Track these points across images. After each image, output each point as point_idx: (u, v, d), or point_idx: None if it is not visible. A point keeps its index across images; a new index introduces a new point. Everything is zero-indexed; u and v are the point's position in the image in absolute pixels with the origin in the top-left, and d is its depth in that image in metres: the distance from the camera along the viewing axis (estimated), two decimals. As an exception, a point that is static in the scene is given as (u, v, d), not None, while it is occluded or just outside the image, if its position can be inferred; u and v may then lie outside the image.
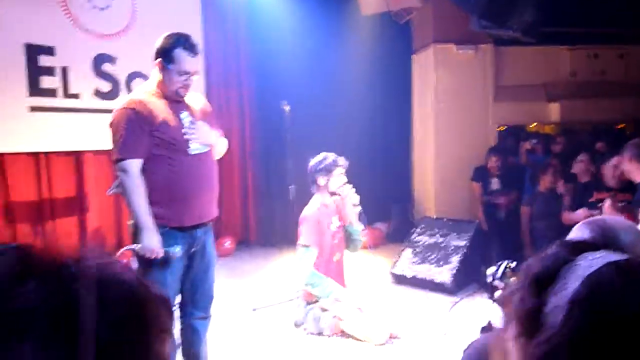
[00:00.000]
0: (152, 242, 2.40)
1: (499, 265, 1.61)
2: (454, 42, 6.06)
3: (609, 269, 0.59)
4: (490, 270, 1.63)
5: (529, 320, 0.61)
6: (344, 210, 3.63)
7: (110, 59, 5.25)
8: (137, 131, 2.39)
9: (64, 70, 4.94)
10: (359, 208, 3.58)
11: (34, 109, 4.76)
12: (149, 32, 5.57)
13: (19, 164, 4.79)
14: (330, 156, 3.53)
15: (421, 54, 6.50)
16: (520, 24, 5.23)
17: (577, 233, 1.37)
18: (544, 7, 5.27)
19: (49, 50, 4.83)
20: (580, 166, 4.61)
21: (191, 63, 2.45)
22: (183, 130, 2.48)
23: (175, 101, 2.52)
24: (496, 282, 1.59)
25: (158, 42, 2.46)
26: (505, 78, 6.32)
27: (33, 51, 4.73)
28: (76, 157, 5.18)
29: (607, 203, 3.28)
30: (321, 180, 3.52)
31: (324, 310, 3.44)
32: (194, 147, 2.51)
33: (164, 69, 2.45)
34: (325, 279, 3.42)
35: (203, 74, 5.88)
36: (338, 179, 3.52)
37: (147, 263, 2.49)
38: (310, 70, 6.26)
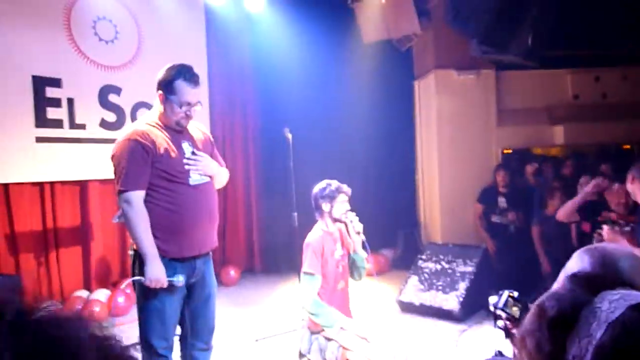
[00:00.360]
0: (158, 272, 2.39)
1: (501, 295, 1.60)
2: (455, 67, 6.10)
3: (632, 314, 0.58)
4: (493, 300, 1.62)
5: None
6: (347, 238, 3.60)
7: (116, 90, 5.32)
8: (139, 162, 2.39)
9: (70, 102, 5.01)
10: (363, 236, 3.54)
11: (39, 139, 4.80)
12: (154, 63, 5.66)
13: (24, 194, 4.81)
14: (334, 183, 3.52)
15: (423, 80, 6.54)
16: (521, 48, 5.27)
17: (577, 260, 1.36)
18: (544, 31, 5.31)
19: (56, 82, 4.91)
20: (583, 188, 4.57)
21: (192, 94, 2.46)
22: (184, 161, 2.49)
23: (177, 131, 2.53)
24: (499, 312, 1.57)
25: (160, 74, 2.49)
26: (507, 102, 6.34)
27: (40, 83, 4.80)
28: (81, 187, 5.21)
29: (606, 229, 3.24)
30: (325, 206, 3.50)
31: (328, 340, 3.37)
32: (195, 178, 2.52)
33: (165, 100, 2.46)
34: (329, 308, 3.36)
35: (207, 102, 5.95)
36: (341, 206, 3.49)
37: (147, 294, 2.47)
38: (313, 97, 6.31)
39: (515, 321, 1.57)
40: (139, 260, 2.47)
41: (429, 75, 6.29)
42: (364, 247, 3.58)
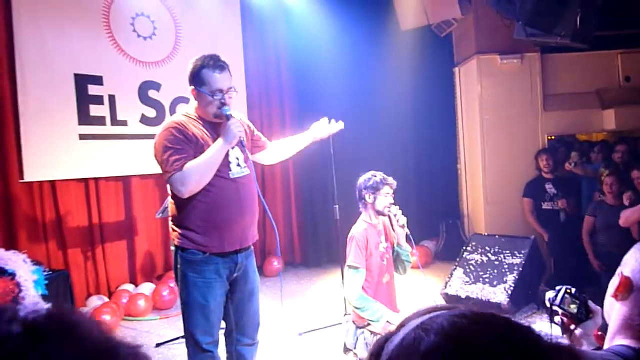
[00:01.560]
0: (234, 131, 2.37)
1: (558, 291, 1.54)
2: (498, 52, 5.88)
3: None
4: (550, 295, 1.56)
5: None
6: (391, 231, 3.51)
7: (155, 86, 5.37)
8: (182, 145, 2.35)
9: (112, 99, 5.08)
10: (407, 230, 3.45)
11: (83, 137, 4.89)
12: (192, 58, 5.70)
13: (70, 190, 4.92)
14: (379, 175, 3.43)
15: (464, 66, 6.34)
16: (569, 30, 5.02)
17: (635, 251, 1.26)
18: (592, 11, 5.04)
19: (98, 80, 4.98)
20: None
21: (221, 80, 2.40)
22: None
23: (216, 124, 2.48)
24: (555, 308, 1.52)
25: (188, 70, 2.45)
26: (554, 87, 6.06)
27: (82, 81, 4.88)
28: (124, 183, 5.29)
29: None
30: (368, 198, 3.42)
31: (375, 334, 3.30)
32: (235, 171, 2.48)
33: (198, 94, 2.42)
34: (375, 302, 3.29)
35: (245, 93, 5.94)
36: (385, 199, 3.41)
37: (189, 289, 2.45)
38: (351, 86, 6.22)
39: (572, 318, 1.52)
40: (181, 256, 2.46)
41: (471, 61, 6.08)
42: (408, 240, 3.49)
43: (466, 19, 6.02)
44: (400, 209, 3.42)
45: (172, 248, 2.55)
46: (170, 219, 2.55)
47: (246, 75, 6.01)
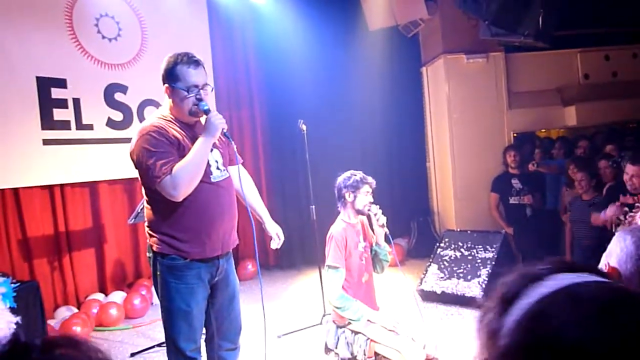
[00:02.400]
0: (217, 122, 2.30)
1: None
2: (464, 52, 6.01)
3: (561, 292, 0.56)
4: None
5: (490, 342, 0.58)
6: (369, 230, 3.53)
7: (122, 88, 5.23)
8: (167, 148, 2.27)
9: (77, 102, 4.91)
10: (386, 229, 3.47)
11: (47, 142, 4.71)
12: (159, 59, 5.50)
13: (34, 198, 4.73)
14: (358, 174, 3.44)
15: (431, 65, 6.45)
16: (531, 29, 5.18)
17: (619, 240, 1.30)
18: (554, 11, 5.21)
19: (61, 83, 4.81)
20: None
21: (196, 75, 2.35)
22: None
23: (191, 125, 2.42)
24: None
25: (161, 68, 2.38)
26: (518, 84, 6.25)
27: (45, 84, 4.71)
28: (91, 188, 5.13)
29: (614, 207, 3.24)
30: (348, 197, 3.43)
31: (356, 333, 3.31)
32: (216, 175, 2.42)
33: (172, 91, 2.35)
34: (355, 301, 3.30)
35: (213, 94, 5.86)
36: (365, 198, 3.42)
37: (171, 296, 2.39)
38: (320, 87, 6.23)
39: None
40: (160, 262, 2.39)
41: (438, 60, 6.19)
42: (387, 239, 3.51)
43: (432, 19, 6.13)
44: (380, 208, 3.44)
45: (149, 255, 2.45)
46: (146, 224, 2.46)
47: (215, 75, 5.93)
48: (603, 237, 3.53)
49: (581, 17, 6.04)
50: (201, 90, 2.36)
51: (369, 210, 3.41)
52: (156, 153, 2.24)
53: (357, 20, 6.35)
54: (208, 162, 2.39)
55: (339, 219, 3.50)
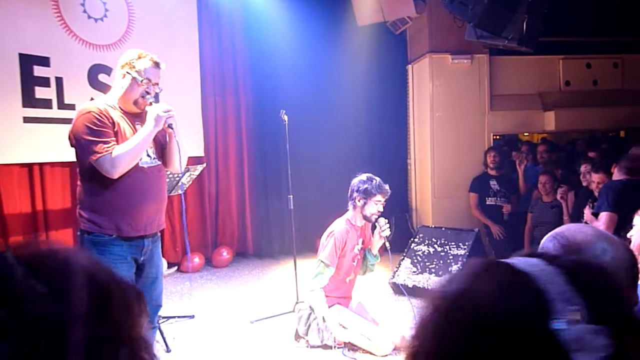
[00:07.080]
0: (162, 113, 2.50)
1: None
2: (449, 52, 6.09)
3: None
4: None
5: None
6: (371, 238, 3.61)
7: (106, 70, 5.19)
8: (109, 129, 2.45)
9: (59, 81, 4.88)
10: (388, 243, 3.55)
11: (27, 119, 4.69)
12: (144, 42, 5.57)
13: (12, 175, 4.71)
14: (375, 180, 3.47)
15: (417, 64, 6.52)
16: (515, 34, 5.27)
17: (545, 243, 1.39)
18: (538, 17, 5.31)
19: (44, 61, 4.77)
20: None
21: (154, 73, 2.57)
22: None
23: (134, 115, 2.60)
24: None
25: (124, 57, 2.59)
26: (500, 87, 6.35)
27: (27, 61, 4.67)
28: (71, 168, 5.11)
29: (587, 212, 3.39)
30: (358, 201, 3.48)
31: (327, 321, 3.39)
32: (145, 160, 2.58)
33: (126, 76, 2.54)
34: (324, 303, 3.39)
35: (198, 83, 5.87)
36: (375, 206, 3.47)
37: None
38: (306, 80, 6.26)
39: None
40: (86, 239, 2.51)
41: (423, 59, 6.27)
42: (384, 251, 3.59)
43: (420, 18, 6.19)
44: (387, 222, 3.49)
45: (78, 233, 2.60)
46: (78, 203, 2.60)
47: (201, 60, 5.93)
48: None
49: (565, 25, 6.14)
50: (152, 86, 2.58)
51: (375, 220, 3.48)
52: (98, 132, 2.42)
53: (345, 14, 6.39)
54: None
55: (345, 218, 3.54)
